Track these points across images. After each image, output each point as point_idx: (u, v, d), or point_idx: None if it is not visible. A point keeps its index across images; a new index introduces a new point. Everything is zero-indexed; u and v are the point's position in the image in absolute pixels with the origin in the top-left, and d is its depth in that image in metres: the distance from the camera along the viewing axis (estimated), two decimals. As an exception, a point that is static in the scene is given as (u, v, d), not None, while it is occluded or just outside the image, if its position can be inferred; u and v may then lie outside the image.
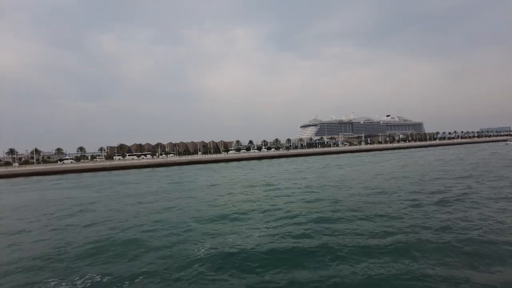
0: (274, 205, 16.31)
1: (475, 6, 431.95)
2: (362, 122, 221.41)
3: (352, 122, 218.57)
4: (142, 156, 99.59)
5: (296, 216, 13.59)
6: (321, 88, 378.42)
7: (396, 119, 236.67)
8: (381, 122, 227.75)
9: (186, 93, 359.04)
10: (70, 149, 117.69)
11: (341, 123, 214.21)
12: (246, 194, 20.64)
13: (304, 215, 13.65)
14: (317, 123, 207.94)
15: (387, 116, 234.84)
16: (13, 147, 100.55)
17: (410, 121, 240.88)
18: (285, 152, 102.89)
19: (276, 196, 19.06)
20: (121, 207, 18.45)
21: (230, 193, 21.37)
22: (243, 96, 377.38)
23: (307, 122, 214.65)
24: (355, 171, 34.27)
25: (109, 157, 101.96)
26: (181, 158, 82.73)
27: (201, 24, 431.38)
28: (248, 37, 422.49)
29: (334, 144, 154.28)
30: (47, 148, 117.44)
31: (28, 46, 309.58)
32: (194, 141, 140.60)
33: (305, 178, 29.75)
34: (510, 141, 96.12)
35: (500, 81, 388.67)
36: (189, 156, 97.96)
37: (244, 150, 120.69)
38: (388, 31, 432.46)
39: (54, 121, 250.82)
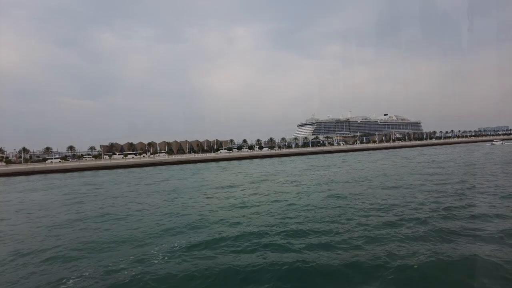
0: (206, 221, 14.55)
1: (475, 6, 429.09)
2: (359, 121, 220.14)
3: (349, 121, 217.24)
4: (132, 156, 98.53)
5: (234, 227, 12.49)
6: (321, 87, 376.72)
7: (394, 118, 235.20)
8: (378, 121, 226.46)
9: (186, 91, 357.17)
10: (66, 148, 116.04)
11: (338, 122, 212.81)
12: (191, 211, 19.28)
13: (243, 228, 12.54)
14: (314, 122, 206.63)
15: (385, 115, 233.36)
16: (2, 146, 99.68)
17: (408, 120, 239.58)
18: (277, 151, 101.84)
19: (226, 207, 17.49)
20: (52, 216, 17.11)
21: (184, 205, 18.54)
22: (243, 95, 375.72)
23: (304, 121, 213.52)
24: (335, 173, 33.28)
25: (97, 156, 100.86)
26: (169, 158, 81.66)
27: (202, 22, 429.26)
28: (248, 35, 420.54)
29: (329, 143, 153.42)
30: (43, 146, 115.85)
31: (28, 43, 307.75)
32: (190, 140, 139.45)
33: (279, 182, 28.73)
34: (496, 141, 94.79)
35: (500, 81, 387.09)
36: (179, 155, 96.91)
37: (236, 149, 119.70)
38: (388, 31, 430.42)
39: (53, 119, 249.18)
